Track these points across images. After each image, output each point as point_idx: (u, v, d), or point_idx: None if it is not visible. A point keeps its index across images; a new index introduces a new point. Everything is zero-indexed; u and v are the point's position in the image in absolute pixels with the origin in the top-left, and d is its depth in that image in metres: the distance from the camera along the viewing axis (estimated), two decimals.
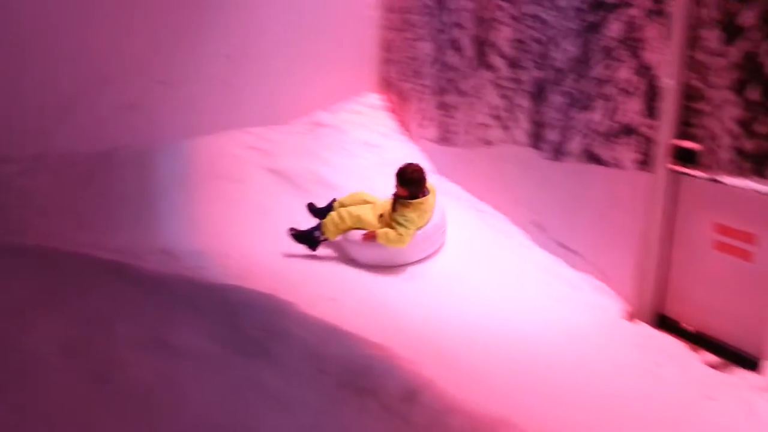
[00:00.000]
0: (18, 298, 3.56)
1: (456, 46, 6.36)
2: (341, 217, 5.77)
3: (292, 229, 5.84)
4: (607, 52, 4.67)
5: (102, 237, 5.58)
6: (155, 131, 6.75)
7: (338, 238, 5.86)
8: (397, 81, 7.63)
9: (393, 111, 7.89)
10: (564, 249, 5.54)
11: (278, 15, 6.93)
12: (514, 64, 5.63)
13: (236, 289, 3.89)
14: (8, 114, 6.05)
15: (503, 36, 5.66)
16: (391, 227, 5.63)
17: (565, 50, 5.06)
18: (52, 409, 2.48)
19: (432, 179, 6.20)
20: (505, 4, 5.56)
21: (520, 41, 5.50)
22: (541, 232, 5.77)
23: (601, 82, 4.77)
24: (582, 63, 4.92)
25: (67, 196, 6.19)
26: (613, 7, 4.52)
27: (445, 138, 6.91)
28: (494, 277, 5.56)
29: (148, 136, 6.64)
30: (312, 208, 6.15)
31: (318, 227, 5.80)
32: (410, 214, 5.63)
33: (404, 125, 7.68)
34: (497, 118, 5.97)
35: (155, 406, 2.62)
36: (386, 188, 5.91)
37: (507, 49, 5.65)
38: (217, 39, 6.72)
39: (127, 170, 6.56)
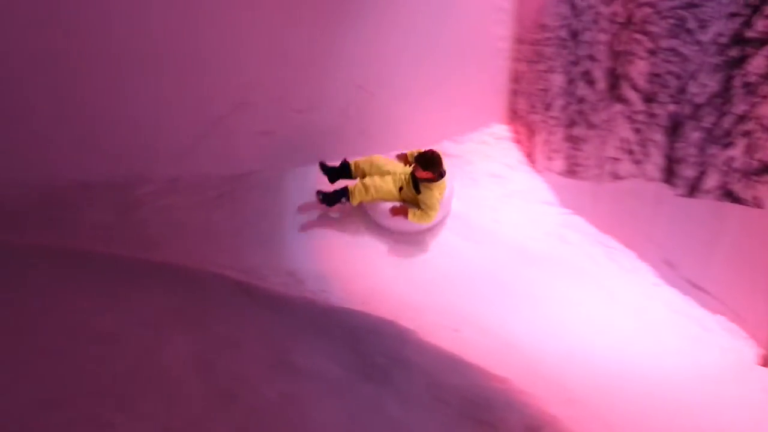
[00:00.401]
0: (154, 311, 3.72)
1: (588, 78, 6.24)
2: (367, 188, 6.29)
3: (319, 192, 6.39)
4: (750, 88, 4.48)
5: (231, 257, 5.74)
6: (286, 157, 6.92)
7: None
8: (525, 112, 7.55)
9: (519, 142, 7.80)
10: (695, 288, 5.33)
11: (411, 47, 6.97)
12: (648, 98, 5.48)
13: (359, 314, 3.93)
14: (149, 135, 6.31)
15: (638, 69, 5.52)
16: (415, 204, 6.26)
17: (704, 85, 4.89)
18: (183, 422, 2.55)
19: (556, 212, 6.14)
20: (642, 38, 5.42)
21: (656, 75, 5.35)
22: (672, 270, 5.57)
23: (742, 118, 4.58)
24: (722, 98, 4.74)
25: (200, 216, 6.42)
26: (758, 43, 4.34)
27: (572, 171, 6.78)
28: (620, 313, 5.40)
29: (279, 161, 6.82)
30: (324, 167, 6.55)
31: (345, 193, 6.35)
32: (436, 194, 6.16)
33: (530, 157, 7.57)
34: (629, 152, 5.82)
35: (279, 425, 2.66)
36: (512, 221, 5.86)
37: (642, 82, 5.51)
38: (351, 70, 6.84)
39: (257, 193, 6.74)
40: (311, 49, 6.52)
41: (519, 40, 7.43)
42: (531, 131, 7.48)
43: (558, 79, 6.78)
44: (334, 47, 6.62)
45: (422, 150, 6.30)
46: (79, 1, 5.69)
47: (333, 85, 6.86)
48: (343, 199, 6.32)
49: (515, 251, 6.35)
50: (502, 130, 7.94)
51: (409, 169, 6.44)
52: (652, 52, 5.36)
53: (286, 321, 3.80)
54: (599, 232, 6.43)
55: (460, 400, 3.10)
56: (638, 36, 5.49)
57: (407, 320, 4.33)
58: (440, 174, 6.19)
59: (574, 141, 6.65)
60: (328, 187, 6.49)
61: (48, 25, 5.64)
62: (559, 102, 6.80)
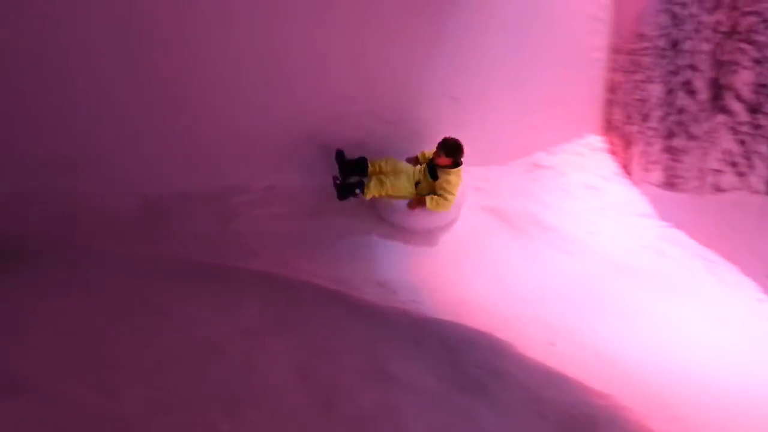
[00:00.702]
0: (254, 319, 3.79)
1: (689, 88, 6.08)
2: (382, 183, 6.29)
3: (336, 178, 6.36)
4: None
5: (324, 267, 5.80)
6: None
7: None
8: (621, 123, 7.39)
9: (614, 153, 7.64)
10: None
11: (504, 57, 6.95)
12: (754, 108, 5.30)
13: (453, 325, 3.91)
14: (246, 146, 6.44)
15: (743, 79, 5.35)
16: (434, 193, 6.31)
17: None
18: (287, 430, 2.58)
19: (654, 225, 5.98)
20: (747, 47, 5.26)
21: (762, 85, 5.17)
22: None
23: None
24: None
25: (294, 226, 6.52)
26: None
27: (670, 183, 6.60)
28: (722, 329, 5.21)
29: None
30: (341, 157, 6.48)
31: (361, 187, 6.33)
32: (455, 180, 6.29)
33: (626, 168, 7.40)
34: (732, 164, 5.64)
35: None
36: (608, 233, 5.73)
37: (747, 92, 5.34)
38: (444, 81, 6.84)
39: (347, 204, 6.80)
40: (404, 60, 6.57)
41: (615, 50, 7.29)
42: (627, 142, 7.32)
43: (656, 89, 6.62)
44: (427, 59, 6.65)
45: (446, 138, 6.33)
46: (180, 19, 5.89)
47: (424, 96, 6.88)
48: (358, 191, 6.33)
49: (611, 264, 6.21)
50: (596, 140, 7.79)
51: (422, 167, 6.52)
52: (758, 62, 5.19)
53: (381, 331, 3.80)
54: (699, 246, 6.23)
55: (559, 415, 3.04)
56: (743, 45, 5.32)
57: (500, 332, 4.29)
58: (459, 162, 6.33)
59: (673, 152, 6.48)
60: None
61: (154, 44, 5.87)
62: (658, 112, 6.64)
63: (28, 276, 4.29)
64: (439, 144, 6.26)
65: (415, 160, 6.64)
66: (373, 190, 6.28)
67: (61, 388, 2.71)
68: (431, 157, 6.39)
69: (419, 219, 6.46)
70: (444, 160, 6.26)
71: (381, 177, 6.31)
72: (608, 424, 3.04)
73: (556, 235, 6.43)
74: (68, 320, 3.51)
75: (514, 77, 7.10)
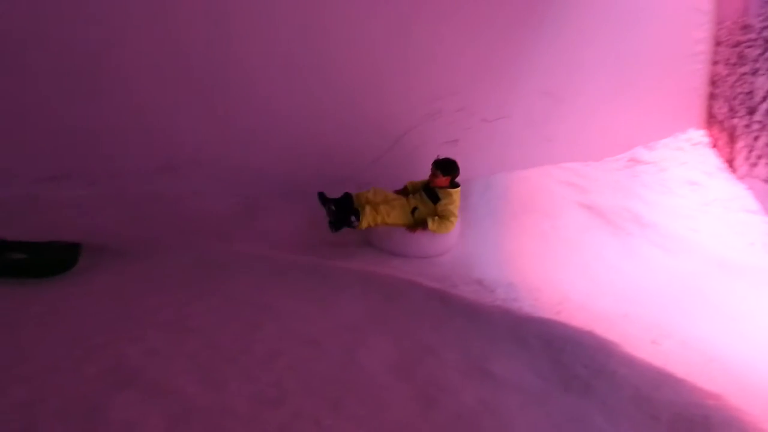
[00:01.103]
0: (355, 316, 3.84)
1: None
2: (377, 210, 5.94)
3: (329, 211, 5.94)
4: None
5: (421, 265, 5.81)
6: (474, 165, 6.93)
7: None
8: (725, 117, 7.16)
9: (717, 148, 7.41)
10: None
11: (602, 52, 6.84)
12: None
13: (556, 323, 3.86)
14: (344, 145, 6.52)
15: None
16: (420, 222, 6.00)
17: None
18: (390, 425, 2.60)
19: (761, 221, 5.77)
20: None
21: None
22: None
23: None
24: None
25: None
26: None
27: None
28: None
29: (467, 169, 6.84)
30: (323, 198, 6.02)
31: (356, 214, 5.88)
32: (456, 200, 6.03)
33: (730, 163, 7.17)
34: None
35: (481, 431, 2.65)
36: (712, 230, 5.55)
37: None
38: (540, 77, 6.77)
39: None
40: (501, 57, 6.53)
41: (718, 42, 7.08)
42: (731, 136, 7.08)
43: (764, 82, 6.38)
44: (524, 55, 6.60)
45: (439, 158, 6.10)
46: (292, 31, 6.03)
47: (521, 92, 6.83)
48: (353, 218, 5.88)
49: (715, 262, 6.02)
50: (698, 135, 7.58)
51: (418, 194, 6.21)
52: None
53: (481, 329, 3.79)
54: None
55: (671, 416, 2.96)
56: None
57: (602, 331, 4.20)
58: (456, 182, 6.14)
59: None
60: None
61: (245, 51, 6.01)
62: (765, 105, 6.39)
63: (136, 272, 4.46)
64: (435, 164, 6.08)
65: (404, 191, 6.38)
66: (368, 218, 5.92)
67: (171, 380, 2.80)
68: (427, 181, 6.18)
69: (417, 245, 6.10)
70: (442, 181, 6.07)
71: (379, 207, 5.99)
72: (724, 427, 2.95)
73: (657, 232, 6.27)
74: (175, 315, 3.64)
75: (611, 72, 6.98)
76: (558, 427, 2.77)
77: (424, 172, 6.16)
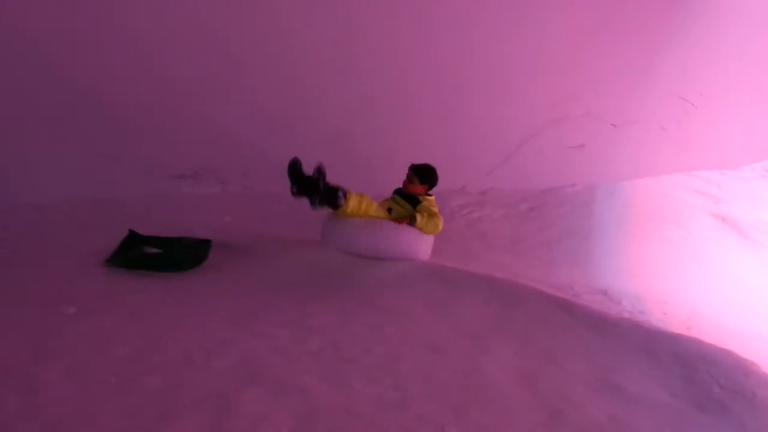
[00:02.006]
0: (476, 321, 3.79)
1: None
2: (363, 200, 5.06)
3: (318, 179, 4.91)
4: None
5: (541, 272, 5.71)
6: (599, 171, 6.78)
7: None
8: None
9: None
10: None
11: (740, 56, 6.53)
12: None
13: (689, 339, 3.68)
14: (464, 151, 6.48)
15: None
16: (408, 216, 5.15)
17: None
18: None
19: None
20: None
21: None
22: None
23: None
24: None
25: (510, 229, 6.48)
26: None
27: None
28: None
29: (591, 175, 6.70)
30: (294, 166, 4.98)
31: (343, 194, 4.93)
32: (434, 205, 5.27)
33: None
34: None
35: None
36: None
37: None
38: (673, 81, 6.53)
39: (568, 208, 6.67)
40: (632, 60, 6.33)
41: None
42: None
43: None
44: (656, 58, 6.37)
45: (416, 164, 5.36)
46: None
47: (652, 97, 6.61)
48: (340, 194, 4.91)
49: None
50: None
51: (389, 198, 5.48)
52: None
53: (608, 341, 3.66)
54: None
55: None
56: None
57: (735, 349, 4.00)
58: (430, 190, 5.42)
59: None
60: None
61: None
62: None
63: (261, 270, 4.55)
64: (413, 169, 5.36)
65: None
66: (353, 201, 5.03)
67: (296, 378, 2.82)
68: (402, 187, 5.46)
69: (394, 244, 5.15)
70: (418, 188, 5.37)
71: (363, 196, 5.14)
72: None
73: None
74: (298, 313, 3.68)
75: (751, 76, 6.65)
76: None
77: (548, 178, 6.07)
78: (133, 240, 4.98)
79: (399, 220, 5.19)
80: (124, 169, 5.80)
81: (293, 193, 5.00)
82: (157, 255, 4.66)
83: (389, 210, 5.32)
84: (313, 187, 4.93)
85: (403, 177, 5.69)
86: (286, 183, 5.77)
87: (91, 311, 3.47)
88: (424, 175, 5.34)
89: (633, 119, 6.67)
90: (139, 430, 2.34)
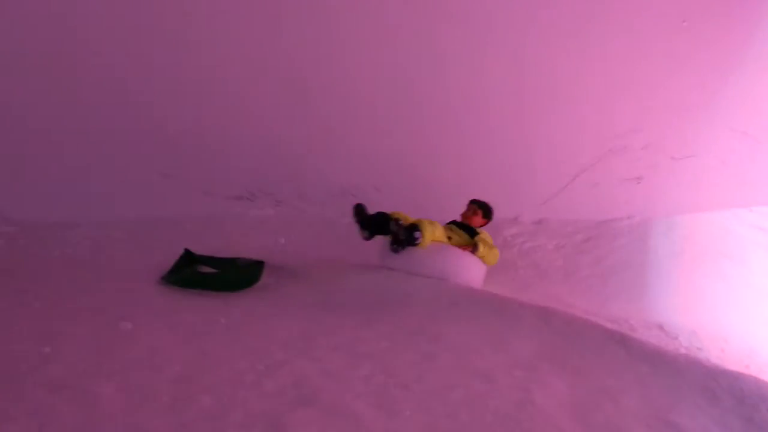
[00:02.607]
0: (529, 352, 3.75)
1: None
2: (435, 230, 5.26)
3: (396, 234, 5.22)
4: None
5: (597, 304, 5.65)
6: (656, 204, 6.69)
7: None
8: None
9: None
10: None
11: None
12: None
13: (750, 378, 3.59)
14: (519, 180, 6.45)
15: None
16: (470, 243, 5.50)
17: None
18: None
19: None
20: None
21: None
22: None
23: None
24: None
25: (564, 260, 6.42)
26: None
27: None
28: None
29: (648, 208, 6.61)
30: (360, 211, 5.40)
31: (415, 229, 5.08)
32: (490, 237, 5.62)
33: None
34: None
35: None
36: None
37: None
38: (732, 113, 6.40)
39: (624, 240, 6.59)
40: (693, 93, 6.21)
41: None
42: None
43: None
44: (718, 91, 6.24)
45: (478, 200, 5.84)
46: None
47: (713, 130, 6.49)
48: (417, 234, 5.07)
49: None
50: None
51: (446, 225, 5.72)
52: None
53: (665, 377, 3.58)
54: None
55: None
56: None
57: None
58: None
59: None
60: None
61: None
62: None
63: (313, 293, 4.61)
64: (477, 203, 5.83)
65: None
66: (428, 234, 5.16)
67: (348, 403, 2.83)
68: (461, 218, 5.86)
69: (454, 269, 5.29)
70: (480, 221, 5.82)
71: (425, 222, 5.24)
72: None
73: None
74: (349, 338, 3.69)
75: None
76: None
77: (604, 210, 6.01)
78: (189, 259, 5.08)
79: (463, 246, 5.40)
80: (181, 188, 5.90)
81: (365, 239, 5.40)
82: (212, 275, 4.74)
83: (449, 237, 5.48)
84: (382, 228, 5.35)
85: (457, 205, 5.79)
86: (344, 207, 5.89)
87: (147, 328, 3.55)
88: (487, 210, 5.80)
89: (693, 153, 6.55)
90: None
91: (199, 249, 5.29)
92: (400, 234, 5.15)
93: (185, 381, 2.88)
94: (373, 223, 5.41)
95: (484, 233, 5.67)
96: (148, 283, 4.54)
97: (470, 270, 5.41)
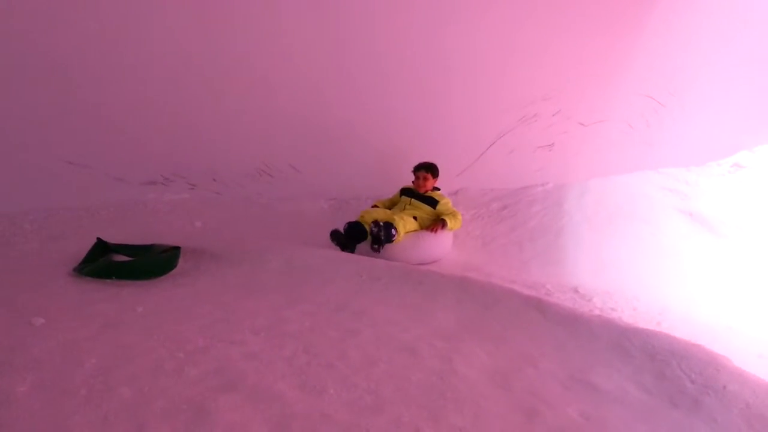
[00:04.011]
0: (449, 323, 3.81)
1: None
2: (407, 224, 5.74)
3: (376, 239, 5.63)
4: None
5: (515, 271, 5.74)
6: (569, 170, 6.82)
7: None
8: None
9: None
10: None
11: (706, 53, 6.57)
12: None
13: (661, 335, 3.72)
14: (436, 150, 6.47)
15: None
16: (438, 219, 5.88)
17: None
18: None
19: None
20: None
21: None
22: None
23: None
24: None
25: (482, 229, 6.51)
26: None
27: None
28: None
29: (562, 174, 6.74)
30: (337, 235, 5.76)
31: (391, 227, 5.57)
32: (449, 202, 6.03)
33: None
34: None
35: None
36: None
37: None
38: (639, 79, 6.57)
39: (539, 207, 6.71)
40: (600, 59, 6.34)
41: None
42: None
43: None
44: (624, 57, 6.39)
45: (422, 163, 6.10)
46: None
47: (620, 96, 6.64)
48: (393, 232, 5.56)
49: None
50: None
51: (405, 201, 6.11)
52: None
53: (581, 339, 3.69)
54: None
55: None
56: None
57: (705, 344, 4.04)
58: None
59: None
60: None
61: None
62: None
63: (233, 276, 4.55)
64: (424, 168, 6.03)
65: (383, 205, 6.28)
66: (401, 229, 5.63)
67: (271, 385, 2.82)
68: (412, 187, 6.13)
69: (425, 251, 5.83)
70: (432, 182, 6.09)
71: (395, 218, 5.68)
72: None
73: (762, 241, 6.01)
74: (272, 319, 3.68)
75: (716, 73, 6.72)
76: None
77: (519, 178, 6.10)
78: (102, 248, 4.95)
79: (433, 227, 5.81)
80: (92, 176, 5.73)
81: (347, 250, 5.67)
82: (126, 263, 4.63)
83: (414, 217, 5.86)
84: (359, 236, 5.72)
85: (378, 178, 5.87)
86: (260, 187, 5.86)
87: (60, 322, 3.45)
88: (434, 169, 6.03)
89: (602, 118, 6.70)
90: None
91: (114, 237, 5.17)
92: (381, 235, 5.54)
93: (103, 373, 2.82)
94: (351, 239, 5.73)
95: (444, 200, 5.98)
96: (61, 275, 4.42)
97: (445, 245, 5.99)
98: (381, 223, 5.54)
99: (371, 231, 5.62)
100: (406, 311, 3.97)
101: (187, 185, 6.12)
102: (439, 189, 6.12)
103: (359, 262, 4.91)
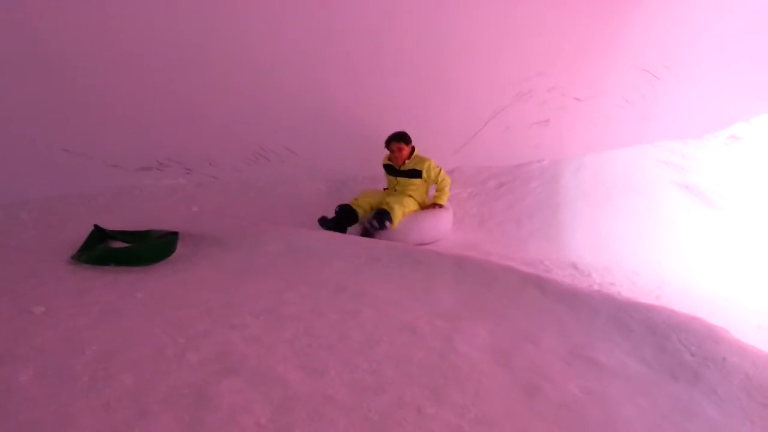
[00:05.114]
0: (450, 302, 3.81)
1: None
2: (403, 206, 5.77)
3: (367, 228, 5.72)
4: None
5: (513, 249, 5.74)
6: (565, 145, 6.81)
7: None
8: None
9: None
10: None
11: (700, 26, 6.53)
12: None
13: (659, 309, 3.73)
14: (432, 129, 6.45)
15: None
16: (424, 197, 6.04)
17: None
18: (494, 413, 2.57)
19: None
20: None
21: None
22: None
23: None
24: None
25: (479, 207, 6.51)
26: None
27: None
28: None
29: (558, 150, 6.72)
30: (325, 221, 5.74)
31: (387, 217, 5.64)
32: (435, 165, 5.96)
33: None
34: None
35: (587, 420, 2.59)
36: None
37: None
38: (634, 52, 6.54)
39: (536, 183, 6.70)
40: (594, 34, 6.31)
41: None
42: None
43: None
44: (618, 31, 6.35)
45: (392, 134, 6.02)
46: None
47: (615, 70, 6.61)
48: (387, 222, 5.64)
49: None
50: None
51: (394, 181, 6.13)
52: None
53: (580, 314, 3.70)
54: None
55: None
56: None
57: (704, 315, 4.06)
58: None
59: None
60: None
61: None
62: None
63: (232, 260, 4.55)
64: (396, 139, 5.97)
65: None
66: (398, 216, 5.71)
67: (273, 367, 2.83)
68: (389, 163, 6.14)
69: (424, 231, 5.89)
70: (408, 151, 6.01)
71: (402, 201, 5.81)
72: None
73: (759, 213, 6.01)
74: (272, 302, 3.68)
75: (710, 46, 6.68)
76: (666, 417, 2.67)
77: (516, 155, 6.08)
78: (100, 235, 4.94)
79: (436, 206, 5.93)
80: (88, 163, 5.71)
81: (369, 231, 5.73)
82: (124, 250, 4.62)
83: (409, 196, 5.90)
84: (349, 218, 5.80)
85: (373, 158, 5.85)
86: (257, 171, 5.86)
87: (60, 310, 3.46)
88: (405, 138, 5.94)
89: (597, 93, 6.68)
90: (116, 428, 2.33)
91: (111, 223, 5.16)
92: (374, 225, 5.60)
93: (104, 360, 2.83)
94: (341, 223, 5.78)
95: (425, 164, 5.94)
96: (60, 263, 4.41)
97: (447, 222, 6.03)
98: (375, 222, 5.61)
99: (364, 228, 5.73)
100: (405, 291, 3.98)
101: (183, 170, 6.10)
102: (414, 150, 6.06)
103: (358, 243, 4.91)
